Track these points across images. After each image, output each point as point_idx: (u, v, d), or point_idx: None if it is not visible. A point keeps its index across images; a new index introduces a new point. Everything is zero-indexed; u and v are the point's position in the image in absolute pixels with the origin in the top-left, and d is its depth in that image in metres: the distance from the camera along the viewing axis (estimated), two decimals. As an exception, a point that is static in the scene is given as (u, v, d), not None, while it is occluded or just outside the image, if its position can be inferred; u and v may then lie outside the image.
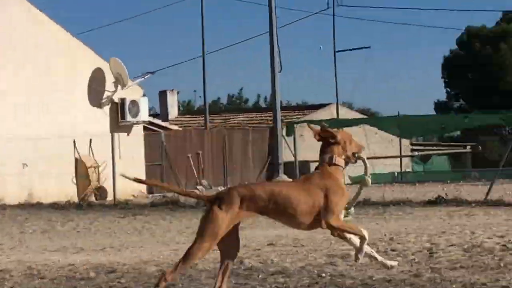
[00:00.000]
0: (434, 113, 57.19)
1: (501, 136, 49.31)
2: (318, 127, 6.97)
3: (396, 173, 38.28)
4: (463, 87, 58.11)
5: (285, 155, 31.52)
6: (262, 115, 42.02)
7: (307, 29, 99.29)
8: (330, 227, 6.63)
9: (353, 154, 6.90)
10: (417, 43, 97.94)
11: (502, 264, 9.33)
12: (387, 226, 14.85)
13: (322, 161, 6.80)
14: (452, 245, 11.17)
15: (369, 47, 45.94)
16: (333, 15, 43.04)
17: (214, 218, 6.47)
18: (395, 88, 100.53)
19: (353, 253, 7.08)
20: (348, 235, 6.74)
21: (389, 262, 6.99)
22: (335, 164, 6.75)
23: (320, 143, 6.94)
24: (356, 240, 6.74)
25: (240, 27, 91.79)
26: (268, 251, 11.44)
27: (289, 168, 28.39)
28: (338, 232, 6.70)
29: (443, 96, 61.78)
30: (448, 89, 60.94)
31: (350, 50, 45.88)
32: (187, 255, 6.53)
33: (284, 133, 30.33)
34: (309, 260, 10.34)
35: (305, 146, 32.69)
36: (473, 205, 18.96)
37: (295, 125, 25.48)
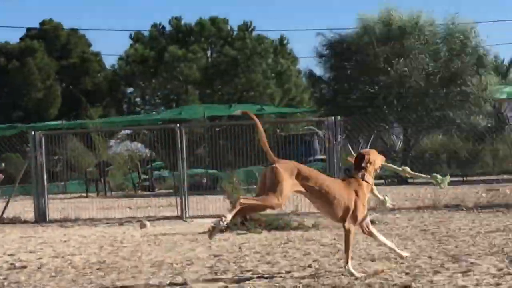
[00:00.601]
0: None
1: (22, 152, 49.08)
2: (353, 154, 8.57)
3: None
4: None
5: None
6: None
7: None
8: (348, 230, 8.19)
9: (379, 166, 8.55)
10: None
11: (6, 283, 9.08)
12: None
13: (356, 175, 8.26)
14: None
15: None
16: None
17: (283, 179, 7.75)
18: None
19: None
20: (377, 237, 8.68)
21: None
22: (366, 181, 8.25)
23: None
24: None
25: None
26: None
27: None
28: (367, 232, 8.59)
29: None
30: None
31: None
32: (263, 201, 7.74)
33: None
34: None
35: None
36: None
37: None
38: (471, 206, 16.99)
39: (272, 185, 7.76)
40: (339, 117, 18.05)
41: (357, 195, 8.18)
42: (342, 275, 8.46)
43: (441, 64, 29.10)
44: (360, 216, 8.24)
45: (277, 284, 8.20)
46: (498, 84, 32.70)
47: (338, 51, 30.24)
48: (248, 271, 9.25)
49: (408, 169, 8.87)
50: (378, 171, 8.58)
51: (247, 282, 8.44)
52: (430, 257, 9.50)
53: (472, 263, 8.86)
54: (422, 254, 9.75)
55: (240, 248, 11.75)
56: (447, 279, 7.96)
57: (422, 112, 28.71)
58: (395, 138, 32.21)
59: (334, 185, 8.13)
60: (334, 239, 12.31)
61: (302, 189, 8.00)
